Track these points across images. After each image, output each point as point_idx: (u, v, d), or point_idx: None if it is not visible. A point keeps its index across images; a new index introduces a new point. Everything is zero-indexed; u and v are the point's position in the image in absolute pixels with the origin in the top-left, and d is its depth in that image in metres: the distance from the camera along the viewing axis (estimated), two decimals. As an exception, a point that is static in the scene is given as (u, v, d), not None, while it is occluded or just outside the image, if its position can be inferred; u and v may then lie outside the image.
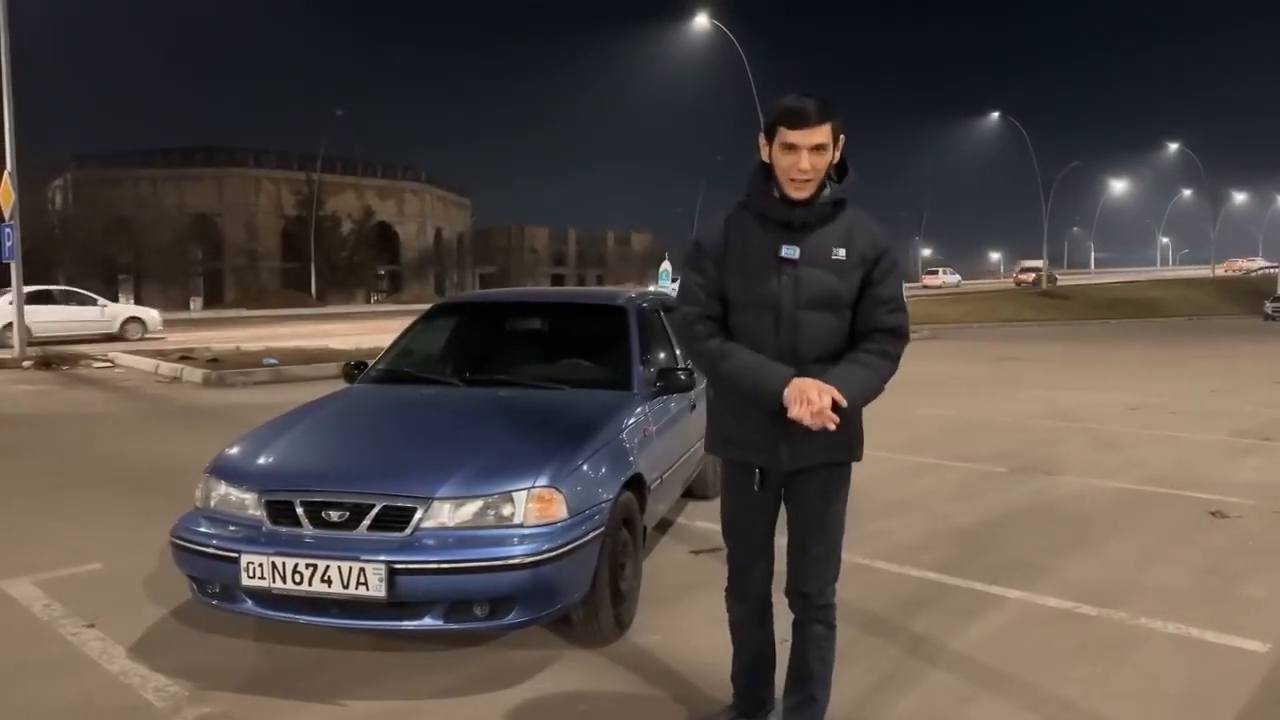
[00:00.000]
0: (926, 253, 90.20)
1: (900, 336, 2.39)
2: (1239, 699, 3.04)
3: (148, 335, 19.97)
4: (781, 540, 2.59)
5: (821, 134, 2.27)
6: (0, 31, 14.71)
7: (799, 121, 2.26)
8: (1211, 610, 3.82)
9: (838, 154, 2.35)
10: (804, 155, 2.27)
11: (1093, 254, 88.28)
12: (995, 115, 49.59)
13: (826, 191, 2.36)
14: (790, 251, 2.35)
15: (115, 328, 20.09)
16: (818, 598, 2.51)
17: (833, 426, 2.24)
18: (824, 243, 2.36)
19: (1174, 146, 63.67)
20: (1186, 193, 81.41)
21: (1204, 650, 3.44)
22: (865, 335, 2.38)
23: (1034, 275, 54.81)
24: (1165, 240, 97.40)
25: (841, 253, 2.35)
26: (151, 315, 21.42)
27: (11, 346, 14.91)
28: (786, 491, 2.52)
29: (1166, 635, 3.57)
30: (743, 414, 2.44)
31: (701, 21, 29.78)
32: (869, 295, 2.37)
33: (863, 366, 2.34)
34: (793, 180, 2.31)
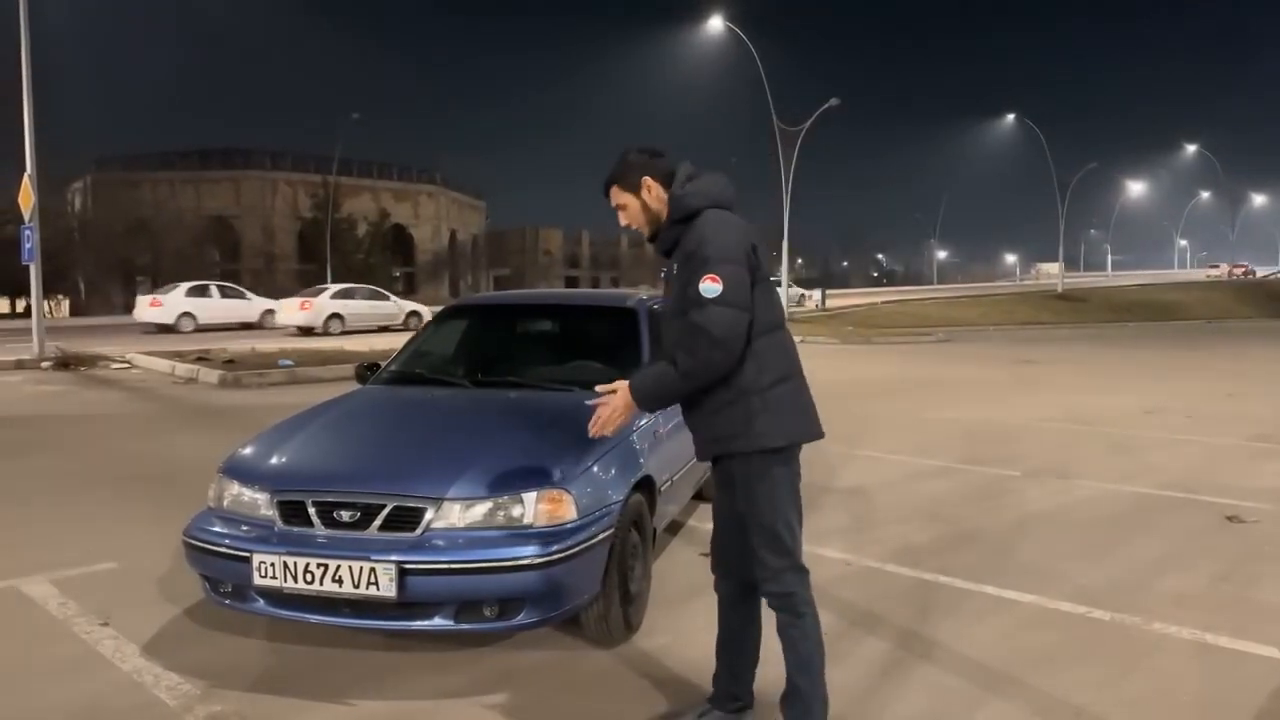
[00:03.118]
0: (942, 255, 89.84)
1: (695, 330, 2.45)
2: (1253, 705, 3.01)
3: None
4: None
5: (613, 197, 2.72)
6: (22, 36, 14.88)
7: (604, 191, 2.75)
8: (1226, 616, 3.79)
9: (651, 193, 2.66)
10: (619, 214, 2.74)
11: (1109, 256, 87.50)
12: (1011, 117, 49.35)
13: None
14: (665, 274, 2.73)
15: None
16: (768, 585, 2.58)
17: (606, 431, 2.59)
18: (674, 262, 2.66)
19: (1192, 148, 63.22)
20: (1205, 194, 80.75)
21: (1218, 656, 3.41)
22: None
23: (1244, 269, 63.43)
24: (1183, 243, 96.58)
25: (675, 267, 2.63)
26: None
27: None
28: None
29: (1180, 640, 3.55)
30: None
31: (716, 24, 29.79)
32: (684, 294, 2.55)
33: (659, 364, 2.57)
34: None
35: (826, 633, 2.66)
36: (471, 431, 3.72)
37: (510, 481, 3.14)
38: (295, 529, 3.14)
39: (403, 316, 24.55)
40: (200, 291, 25.36)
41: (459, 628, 3.05)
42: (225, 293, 26.40)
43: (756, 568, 2.59)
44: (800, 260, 70.95)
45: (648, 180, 2.66)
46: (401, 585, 2.93)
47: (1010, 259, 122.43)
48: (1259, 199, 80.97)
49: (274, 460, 3.46)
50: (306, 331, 22.75)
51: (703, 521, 5.12)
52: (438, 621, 3.02)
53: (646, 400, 2.57)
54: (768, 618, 2.66)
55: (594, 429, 2.58)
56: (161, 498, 5.59)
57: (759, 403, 2.52)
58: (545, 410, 3.91)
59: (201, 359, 13.76)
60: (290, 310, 24.09)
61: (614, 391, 2.59)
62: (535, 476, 3.15)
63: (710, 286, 2.45)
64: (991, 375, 13.95)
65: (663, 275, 2.76)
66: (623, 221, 2.74)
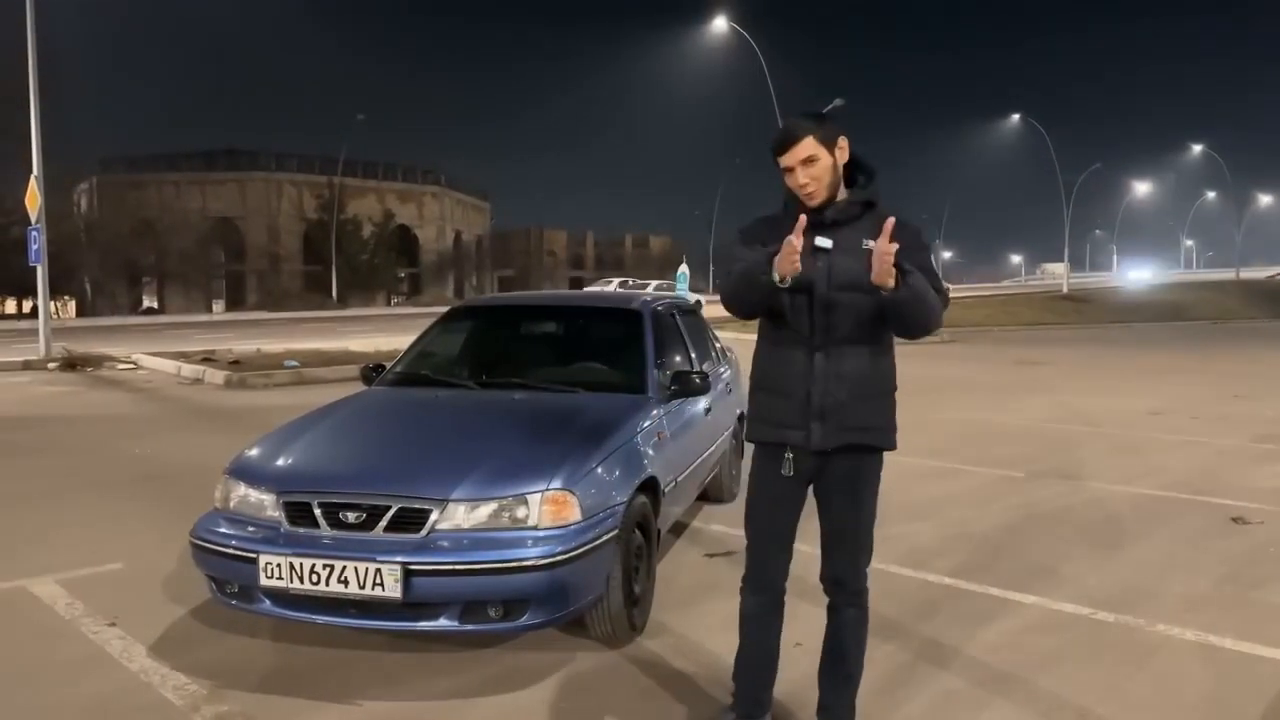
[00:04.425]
0: (947, 255, 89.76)
1: (939, 294, 2.48)
2: (1259, 707, 3.01)
3: None
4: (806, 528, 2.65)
5: (805, 148, 2.46)
6: (28, 37, 14.93)
7: (781, 146, 2.50)
8: (1231, 617, 3.78)
9: (842, 155, 2.51)
10: (798, 171, 2.48)
11: (1115, 257, 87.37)
12: (1016, 118, 49.28)
13: (843, 194, 2.53)
14: (825, 241, 2.51)
15: None
16: (851, 584, 2.64)
17: (890, 282, 2.33)
18: (855, 235, 2.52)
19: (1198, 148, 63.07)
20: (1211, 195, 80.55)
21: (1223, 658, 3.41)
22: None
23: None
24: (1189, 243, 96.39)
25: (871, 243, 2.45)
26: None
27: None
28: (816, 481, 2.61)
29: (1185, 642, 3.54)
30: (779, 391, 2.58)
31: (720, 26, 29.79)
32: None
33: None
34: (803, 195, 2.51)
35: (832, 634, 2.68)
36: (476, 433, 3.73)
37: (515, 482, 3.15)
38: (301, 530, 3.15)
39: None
40: (624, 285, 34.71)
41: (464, 629, 3.06)
42: (625, 285, 35.12)
43: (844, 567, 2.63)
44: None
45: (844, 140, 2.52)
46: (407, 586, 2.94)
47: (1015, 259, 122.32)
48: (1265, 199, 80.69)
49: (280, 462, 3.47)
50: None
51: (707, 523, 5.13)
52: (443, 622, 3.03)
53: (911, 288, 2.35)
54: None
55: (881, 245, 2.33)
56: (168, 499, 5.61)
57: (895, 403, 2.62)
58: (550, 411, 3.92)
59: (207, 360, 13.79)
60: None
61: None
62: (540, 478, 3.15)
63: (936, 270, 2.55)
64: (996, 376, 13.94)
65: (821, 244, 2.49)
66: (800, 179, 2.48)
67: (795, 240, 2.34)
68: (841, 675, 2.68)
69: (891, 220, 2.35)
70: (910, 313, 2.43)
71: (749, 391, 2.73)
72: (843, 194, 2.54)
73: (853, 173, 2.57)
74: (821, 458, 2.55)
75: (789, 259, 2.35)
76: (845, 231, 2.51)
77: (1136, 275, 63.73)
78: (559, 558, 3.01)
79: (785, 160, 2.49)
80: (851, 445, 2.53)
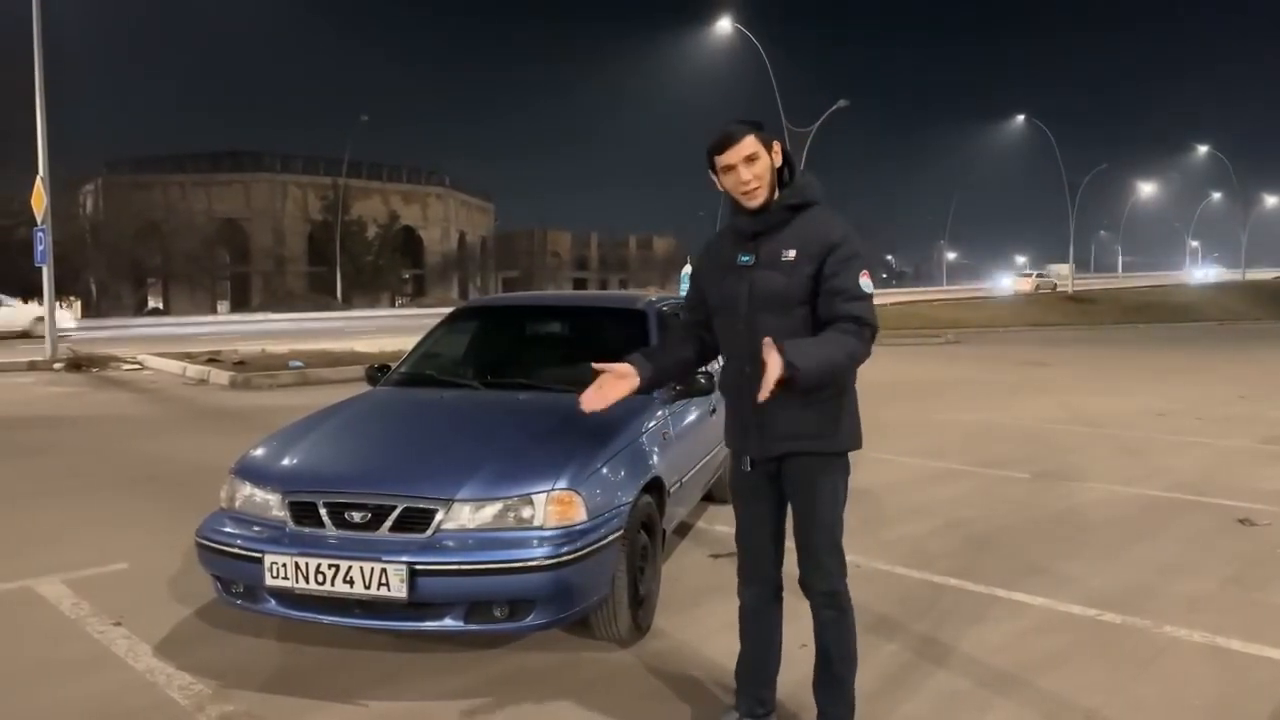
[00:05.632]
0: (951, 256, 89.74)
1: (861, 323, 2.41)
2: (1265, 709, 3.00)
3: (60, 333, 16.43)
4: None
5: (747, 145, 2.47)
6: (35, 38, 14.97)
7: (723, 144, 2.49)
8: (1238, 618, 3.77)
9: (777, 158, 2.52)
10: (740, 169, 2.49)
11: (1120, 258, 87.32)
12: (1021, 118, 49.22)
13: (777, 196, 2.53)
14: (745, 259, 2.55)
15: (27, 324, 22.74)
16: (817, 585, 2.60)
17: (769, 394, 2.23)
18: (777, 246, 2.51)
19: (1203, 149, 63.00)
20: (1216, 196, 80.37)
21: (1230, 659, 3.40)
22: (827, 325, 2.44)
23: None
24: (1194, 244, 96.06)
25: (792, 253, 2.48)
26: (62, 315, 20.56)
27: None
28: (780, 481, 2.62)
29: (1191, 644, 3.54)
30: (730, 404, 2.67)
31: (725, 26, 29.80)
32: (825, 289, 2.45)
33: (823, 340, 2.39)
34: (743, 194, 2.52)
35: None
36: (481, 433, 3.73)
37: (520, 483, 3.15)
38: (307, 530, 3.16)
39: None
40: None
41: (469, 629, 3.06)
42: None
43: (810, 568, 2.59)
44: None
45: (778, 145, 2.52)
46: (412, 586, 2.95)
47: (1020, 260, 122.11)
48: (1271, 200, 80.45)
49: (285, 461, 3.48)
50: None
51: (712, 523, 5.13)
52: (448, 622, 3.03)
53: (812, 376, 2.27)
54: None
55: (761, 396, 2.25)
56: (173, 498, 5.62)
57: (849, 404, 2.59)
58: (555, 412, 3.91)
59: (212, 360, 13.82)
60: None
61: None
62: (545, 478, 3.16)
63: (867, 283, 2.46)
64: (1001, 377, 13.91)
65: (742, 261, 2.53)
66: (744, 176, 2.47)
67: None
68: (828, 678, 2.64)
69: (769, 342, 2.24)
70: (824, 384, 2.39)
71: None
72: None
73: (783, 176, 2.54)
74: (776, 460, 2.57)
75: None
76: (769, 243, 2.50)
77: (1007, 283, 63.06)
78: (564, 558, 3.01)
79: (727, 158, 2.48)
80: (793, 452, 2.53)
